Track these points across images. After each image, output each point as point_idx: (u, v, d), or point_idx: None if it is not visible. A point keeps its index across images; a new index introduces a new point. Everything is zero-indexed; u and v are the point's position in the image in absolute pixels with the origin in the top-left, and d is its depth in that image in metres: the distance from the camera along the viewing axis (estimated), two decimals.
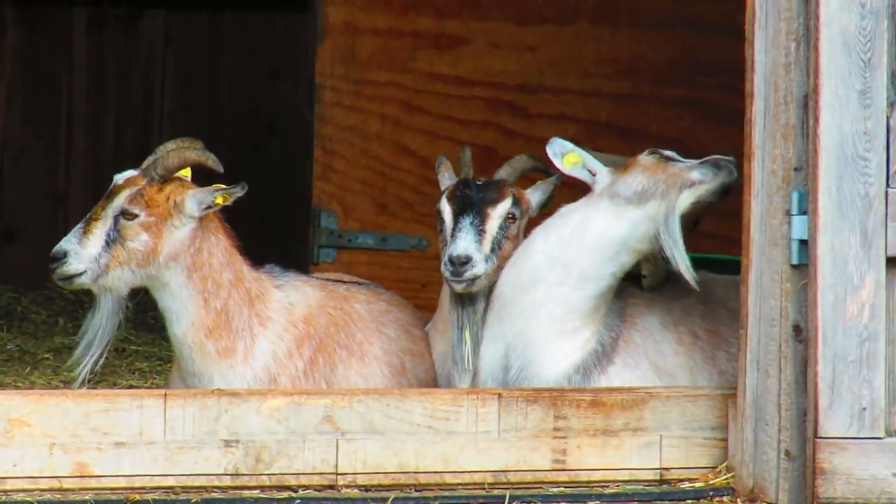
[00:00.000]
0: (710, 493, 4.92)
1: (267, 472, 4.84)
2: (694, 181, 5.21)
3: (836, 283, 4.76)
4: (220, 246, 5.31)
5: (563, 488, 4.93)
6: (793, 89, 4.83)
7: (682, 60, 7.63)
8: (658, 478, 5.00)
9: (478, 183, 5.58)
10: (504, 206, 5.51)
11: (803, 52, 4.81)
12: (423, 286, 7.21)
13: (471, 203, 5.48)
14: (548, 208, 5.60)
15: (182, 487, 4.80)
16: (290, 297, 5.45)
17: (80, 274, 5.17)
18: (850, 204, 4.77)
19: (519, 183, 5.68)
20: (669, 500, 4.89)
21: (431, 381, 5.68)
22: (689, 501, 4.89)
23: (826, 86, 4.76)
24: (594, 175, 5.34)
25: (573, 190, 5.48)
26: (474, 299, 5.46)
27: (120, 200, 5.21)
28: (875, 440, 4.77)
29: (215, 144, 5.40)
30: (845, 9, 4.76)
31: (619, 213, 5.25)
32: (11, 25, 9.33)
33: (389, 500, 4.78)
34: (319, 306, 5.49)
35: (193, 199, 5.23)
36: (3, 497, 4.69)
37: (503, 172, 5.68)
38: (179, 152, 5.25)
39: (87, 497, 4.73)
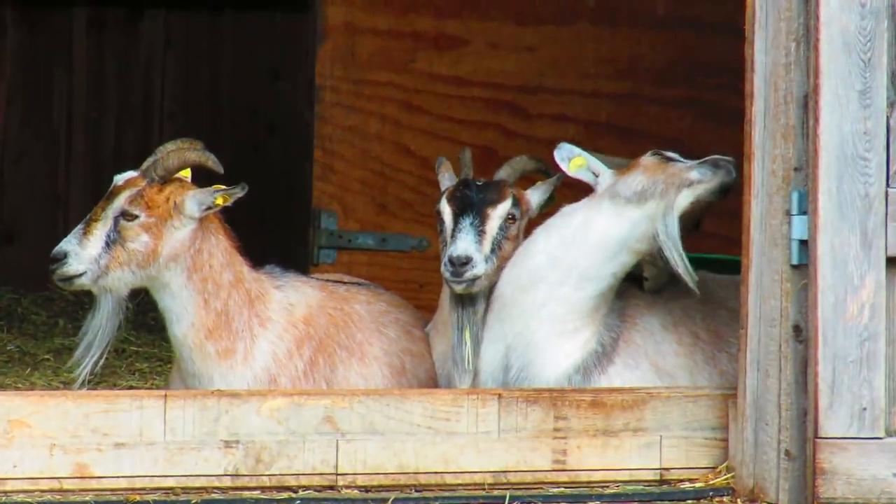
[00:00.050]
0: (711, 493, 4.92)
1: (267, 472, 4.84)
2: (692, 180, 5.22)
3: (837, 284, 4.76)
4: (220, 247, 5.31)
5: (563, 489, 4.93)
6: (793, 89, 4.82)
7: (682, 60, 7.63)
8: (658, 478, 4.99)
9: (478, 183, 5.57)
10: (504, 207, 5.50)
11: (803, 52, 4.81)
12: (423, 287, 7.21)
13: (471, 204, 5.48)
14: (548, 209, 5.60)
15: (182, 488, 4.80)
16: (290, 297, 5.45)
17: (80, 275, 5.16)
18: (850, 204, 4.76)
19: (519, 183, 5.67)
20: (669, 501, 4.89)
21: (431, 381, 5.68)
22: (689, 501, 4.89)
23: (826, 86, 4.75)
24: (597, 176, 5.35)
25: (574, 190, 5.48)
26: (474, 300, 5.46)
27: (120, 201, 5.20)
28: (875, 440, 4.77)
29: (215, 145, 5.40)
30: (845, 9, 4.76)
31: (619, 212, 5.25)
32: (11, 26, 9.31)
33: (389, 501, 4.78)
34: (319, 307, 5.49)
35: (193, 200, 5.23)
36: (4, 498, 4.69)
37: (503, 173, 5.67)
38: (179, 153, 5.25)
39: (87, 498, 4.72)
